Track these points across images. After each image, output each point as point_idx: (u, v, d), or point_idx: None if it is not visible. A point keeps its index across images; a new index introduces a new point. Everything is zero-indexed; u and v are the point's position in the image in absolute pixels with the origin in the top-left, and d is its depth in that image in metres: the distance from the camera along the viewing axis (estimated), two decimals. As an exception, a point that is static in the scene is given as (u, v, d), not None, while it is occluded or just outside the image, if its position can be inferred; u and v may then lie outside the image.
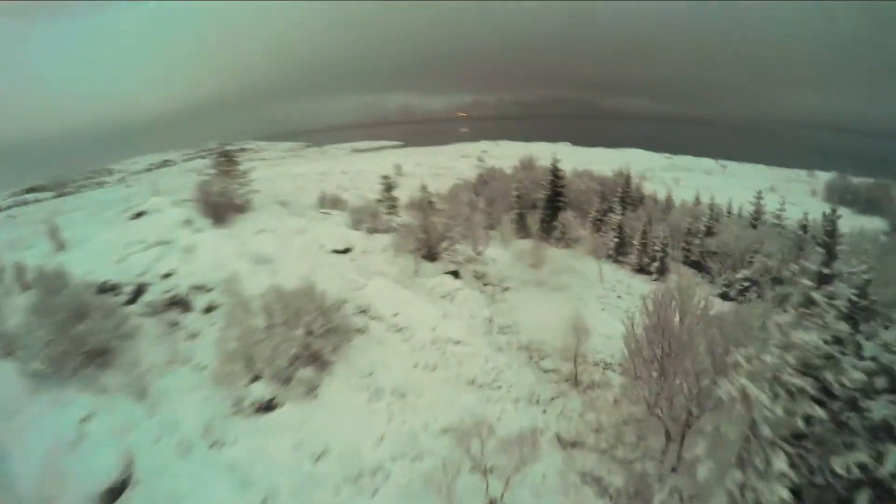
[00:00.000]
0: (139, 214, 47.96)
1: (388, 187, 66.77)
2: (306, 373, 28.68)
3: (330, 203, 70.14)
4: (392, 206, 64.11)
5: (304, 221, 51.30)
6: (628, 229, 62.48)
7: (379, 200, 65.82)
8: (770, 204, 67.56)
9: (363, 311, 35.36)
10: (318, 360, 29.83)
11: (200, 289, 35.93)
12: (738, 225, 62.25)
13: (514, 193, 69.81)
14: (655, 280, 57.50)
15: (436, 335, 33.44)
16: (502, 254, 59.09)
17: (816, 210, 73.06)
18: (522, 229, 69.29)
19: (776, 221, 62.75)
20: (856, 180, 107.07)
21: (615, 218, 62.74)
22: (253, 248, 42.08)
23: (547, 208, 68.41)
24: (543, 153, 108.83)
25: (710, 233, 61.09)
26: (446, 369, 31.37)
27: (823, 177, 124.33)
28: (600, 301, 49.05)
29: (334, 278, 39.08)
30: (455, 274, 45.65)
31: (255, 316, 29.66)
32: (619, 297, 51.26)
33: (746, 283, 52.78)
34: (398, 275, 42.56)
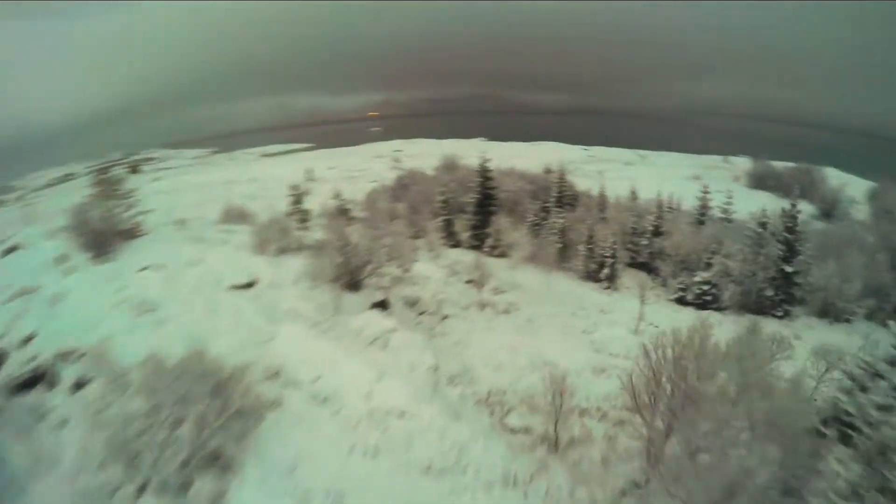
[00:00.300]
0: (10, 250, 39.57)
1: (298, 199, 58.52)
2: (206, 480, 20.48)
3: (236, 217, 61.59)
4: (303, 219, 56.00)
5: (200, 248, 43.29)
6: (573, 233, 57.66)
7: (288, 214, 57.56)
8: (692, 193, 66.56)
9: (274, 376, 27.28)
10: (219, 460, 21.61)
11: (68, 356, 27.34)
12: (685, 222, 59.40)
13: (440, 198, 63.24)
14: (607, 289, 53.02)
15: (372, 405, 26.00)
16: (434, 270, 52.48)
17: (748, 198, 73.03)
18: (451, 238, 63.04)
19: (724, 216, 60.48)
20: (778, 165, 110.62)
21: (557, 221, 57.78)
22: (134, 291, 33.81)
23: (477, 213, 62.54)
24: (463, 151, 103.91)
25: (658, 232, 57.58)
26: (393, 453, 23.99)
27: (738, 162, 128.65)
28: (555, 323, 43.57)
29: (235, 329, 31.08)
30: (383, 305, 38.29)
31: (132, 397, 21.45)
32: (573, 314, 46.20)
33: (705, 287, 49.27)
34: (315, 315, 34.63)
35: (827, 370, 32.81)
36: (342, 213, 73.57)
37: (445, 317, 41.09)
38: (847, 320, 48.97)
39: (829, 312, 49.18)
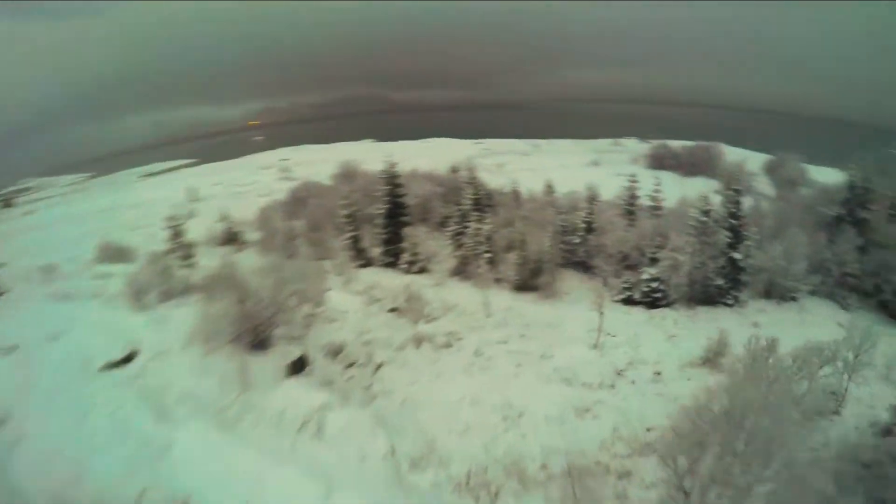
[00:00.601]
0: None
1: (177, 232, 48.94)
2: None
3: (112, 255, 52.48)
4: (188, 254, 46.98)
5: (66, 311, 36.89)
6: (499, 238, 52.18)
7: (168, 250, 48.43)
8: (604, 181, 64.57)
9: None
10: None
11: None
12: (615, 215, 56.00)
13: (344, 211, 55.38)
14: (547, 298, 48.13)
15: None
16: (350, 299, 45.47)
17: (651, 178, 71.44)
18: (361, 256, 55.64)
19: (653, 205, 57.77)
20: (674, 144, 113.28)
21: (482, 227, 51.96)
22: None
23: (387, 225, 55.47)
24: (355, 155, 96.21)
25: (590, 228, 53.61)
26: None
27: (630, 144, 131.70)
28: (506, 351, 37.87)
29: (116, 440, 23.10)
30: (301, 364, 30.50)
31: None
32: (521, 335, 40.97)
33: (654, 283, 45.76)
34: (218, 396, 26.40)
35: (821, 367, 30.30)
36: (232, 238, 64.92)
37: (379, 365, 34.21)
38: (793, 298, 47.75)
39: (774, 293, 47.91)
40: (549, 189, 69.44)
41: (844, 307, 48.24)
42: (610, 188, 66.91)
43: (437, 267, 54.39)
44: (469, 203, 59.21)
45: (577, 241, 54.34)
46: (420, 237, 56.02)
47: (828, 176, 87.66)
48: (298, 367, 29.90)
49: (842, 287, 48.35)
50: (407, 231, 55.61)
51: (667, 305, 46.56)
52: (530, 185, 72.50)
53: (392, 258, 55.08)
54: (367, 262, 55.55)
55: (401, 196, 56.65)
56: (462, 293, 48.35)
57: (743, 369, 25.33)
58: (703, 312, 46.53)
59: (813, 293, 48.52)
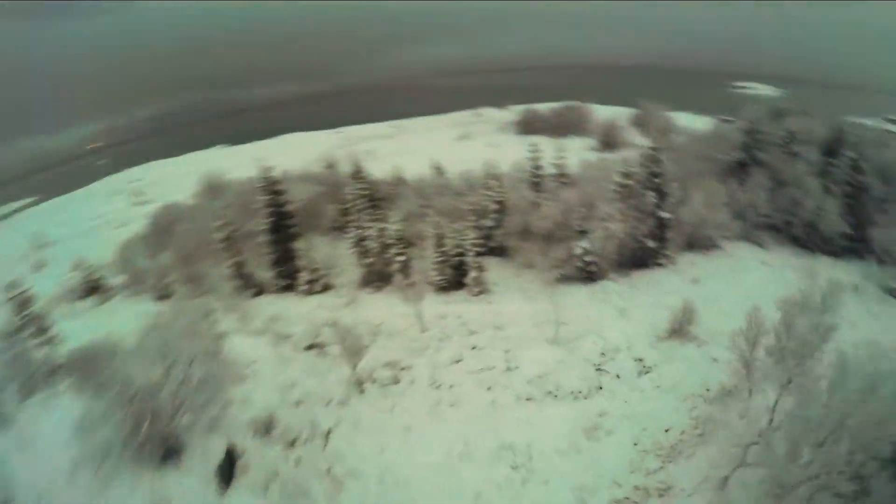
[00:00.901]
0: None
1: (24, 302, 37.33)
2: None
3: None
4: (43, 328, 36.22)
5: None
6: (413, 236, 45.62)
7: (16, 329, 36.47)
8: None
9: None
10: None
11: None
12: (524, 189, 51.47)
13: (219, 234, 45.40)
14: (479, 294, 42.49)
15: None
16: (253, 343, 37.07)
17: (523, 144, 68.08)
18: (250, 284, 46.42)
19: (559, 172, 53.82)
20: (541, 108, 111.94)
21: (390, 226, 44.83)
22: None
23: (275, 241, 46.37)
24: (214, 164, 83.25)
25: (503, 209, 48.63)
26: None
27: (491, 113, 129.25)
28: (465, 372, 32.75)
29: None
30: (231, 462, 22.33)
31: None
32: (472, 348, 35.60)
33: (588, 257, 41.96)
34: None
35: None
36: (92, 287, 53.00)
37: (328, 433, 26.53)
38: (716, 246, 47.02)
39: (697, 244, 46.72)
40: (440, 171, 63.77)
41: (762, 246, 48.54)
42: (492, 160, 63.13)
43: (343, 280, 46.64)
44: (362, 200, 51.82)
45: (491, 224, 49.14)
46: (315, 248, 47.91)
47: (691, 122, 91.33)
48: (229, 468, 21.62)
49: (756, 228, 48.39)
50: (298, 244, 47.19)
51: (602, 277, 43.28)
52: (413, 168, 65.85)
53: (288, 279, 46.37)
54: (260, 289, 46.38)
55: (283, 204, 47.58)
56: (382, 308, 41.37)
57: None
58: (640, 277, 44.01)
59: (729, 237, 48.13)
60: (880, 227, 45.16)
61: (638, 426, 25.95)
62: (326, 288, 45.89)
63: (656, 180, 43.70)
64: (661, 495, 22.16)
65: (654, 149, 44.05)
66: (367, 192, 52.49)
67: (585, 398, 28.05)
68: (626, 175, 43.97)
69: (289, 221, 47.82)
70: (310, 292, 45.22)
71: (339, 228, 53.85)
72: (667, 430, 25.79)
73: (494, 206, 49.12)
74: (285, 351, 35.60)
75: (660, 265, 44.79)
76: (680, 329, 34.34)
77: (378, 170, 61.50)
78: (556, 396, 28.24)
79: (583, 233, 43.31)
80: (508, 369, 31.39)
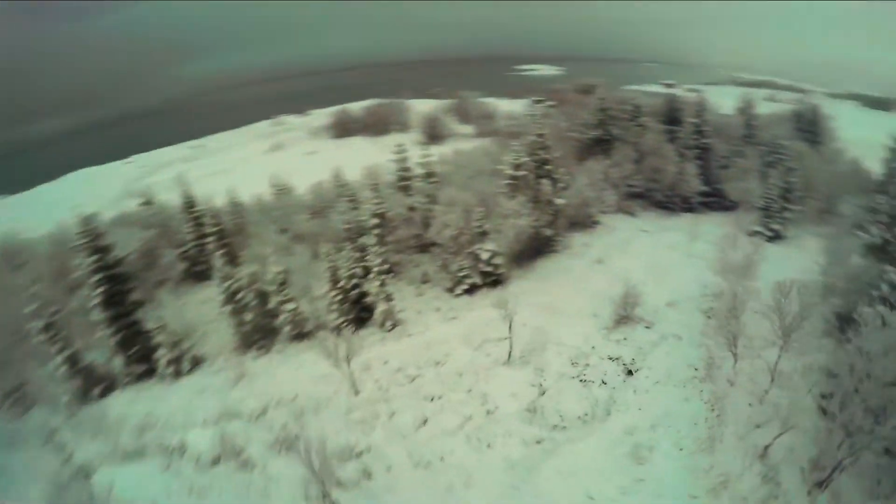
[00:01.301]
0: None
1: None
2: None
3: None
4: None
5: None
6: (302, 274, 37.54)
7: None
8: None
9: None
10: None
11: None
12: (403, 197, 45.89)
13: (37, 322, 32.51)
14: (393, 328, 36.17)
15: None
16: (134, 475, 26.67)
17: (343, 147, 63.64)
18: (93, 381, 34.59)
19: (426, 172, 48.90)
20: (353, 109, 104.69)
21: (271, 269, 36.09)
22: None
23: (114, 316, 34.78)
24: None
25: (383, 222, 42.66)
26: None
27: (293, 120, 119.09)
28: (450, 440, 25.89)
29: None
30: None
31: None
32: (431, 399, 28.86)
33: (498, 261, 38.51)
34: None
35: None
36: None
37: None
38: (596, 222, 47.64)
39: (579, 223, 46.83)
40: (284, 189, 55.42)
41: (633, 214, 50.09)
42: (316, 169, 56.62)
43: (214, 347, 36.41)
44: (212, 237, 42.30)
45: (374, 241, 42.85)
46: (166, 311, 37.40)
47: (505, 106, 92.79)
48: None
49: (626, 198, 49.56)
50: (144, 311, 36.35)
51: (509, 277, 40.18)
52: (242, 190, 55.64)
53: (143, 362, 34.95)
54: (109, 385, 34.40)
55: (113, 264, 35.83)
56: (285, 374, 32.33)
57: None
58: (544, 268, 41.89)
59: (605, 211, 48.82)
60: (729, 181, 49.28)
61: (670, 429, 23.63)
62: (197, 363, 35.14)
63: (547, 167, 41.89)
64: (724, 488, 20.57)
65: (540, 135, 41.96)
66: (217, 227, 43.04)
67: (598, 419, 24.45)
68: (517, 166, 41.29)
69: (125, 285, 36.40)
70: (177, 374, 34.24)
71: (188, 278, 43.45)
72: (696, 424, 23.90)
73: (374, 221, 43.07)
74: (187, 475, 25.72)
75: (556, 251, 43.36)
76: (628, 314, 32.75)
77: (199, 197, 50.71)
78: (565, 428, 24.09)
79: (483, 234, 39.61)
80: (489, 413, 25.98)
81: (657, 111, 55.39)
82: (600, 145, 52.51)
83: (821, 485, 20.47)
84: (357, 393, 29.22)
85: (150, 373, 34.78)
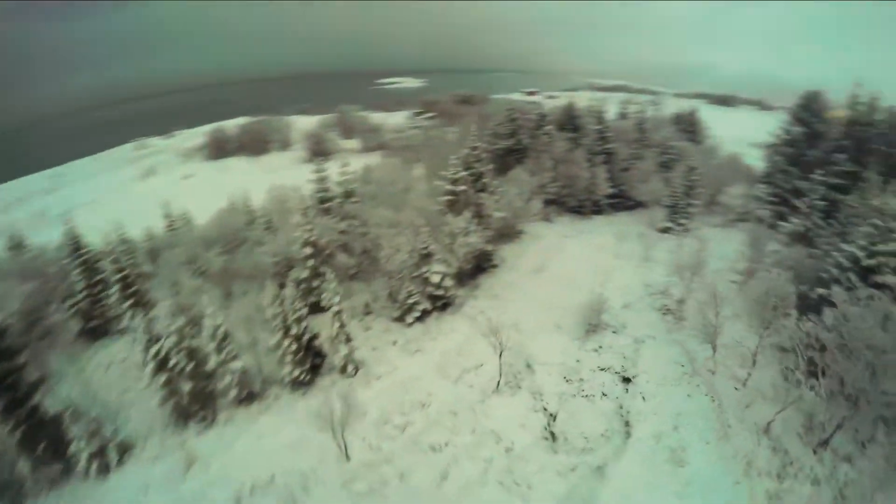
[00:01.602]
0: None
1: None
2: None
3: None
4: None
5: None
6: (239, 327, 32.44)
7: None
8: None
9: None
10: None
11: None
12: (325, 218, 41.86)
13: None
14: (356, 373, 32.55)
15: None
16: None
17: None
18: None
19: (345, 191, 45.21)
20: (228, 127, 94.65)
21: (208, 324, 30.50)
22: None
23: (9, 406, 27.44)
24: None
25: (317, 252, 38.59)
26: None
27: (157, 143, 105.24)
28: (465, 491, 23.04)
29: None
30: None
31: None
32: (425, 450, 25.97)
33: (447, 283, 36.77)
34: None
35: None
36: None
37: None
38: (521, 231, 48.09)
39: (506, 233, 47.01)
40: (181, 221, 48.85)
41: (550, 221, 51.07)
42: (201, 195, 50.64)
43: (140, 426, 28.97)
44: (116, 286, 36.08)
45: (308, 275, 38.76)
46: (71, 385, 30.73)
47: (380, 119, 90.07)
48: None
49: (546, 205, 50.27)
50: (42, 392, 29.13)
51: (455, 299, 38.50)
52: (128, 224, 47.11)
53: (57, 459, 27.53)
54: (16, 495, 26.98)
55: (-1, 337, 28.32)
56: (249, 452, 26.05)
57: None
58: (487, 284, 40.66)
59: (528, 220, 49.15)
60: (633, 183, 52.10)
61: (689, 427, 24.23)
62: (125, 450, 27.66)
63: (483, 181, 41.05)
64: (751, 467, 22.12)
65: (474, 149, 40.89)
66: (120, 273, 36.68)
67: (622, 434, 23.93)
68: (455, 181, 39.83)
69: (14, 361, 28.93)
70: (105, 469, 26.54)
71: (82, 337, 36.46)
72: (706, 416, 24.87)
73: (307, 251, 38.89)
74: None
75: (494, 266, 42.69)
76: (595, 323, 32.85)
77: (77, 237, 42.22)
78: (592, 449, 23.26)
79: (429, 255, 37.55)
80: (508, 451, 23.90)
81: (558, 119, 57.07)
82: (513, 155, 52.78)
83: (824, 444, 22.65)
84: (349, 460, 24.52)
85: (65, 472, 26.81)
